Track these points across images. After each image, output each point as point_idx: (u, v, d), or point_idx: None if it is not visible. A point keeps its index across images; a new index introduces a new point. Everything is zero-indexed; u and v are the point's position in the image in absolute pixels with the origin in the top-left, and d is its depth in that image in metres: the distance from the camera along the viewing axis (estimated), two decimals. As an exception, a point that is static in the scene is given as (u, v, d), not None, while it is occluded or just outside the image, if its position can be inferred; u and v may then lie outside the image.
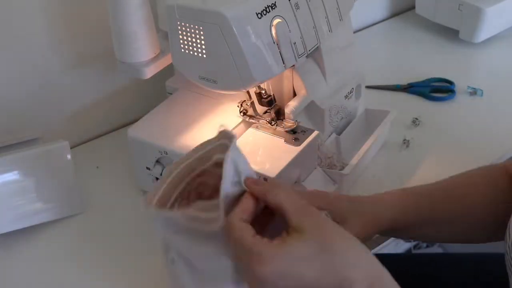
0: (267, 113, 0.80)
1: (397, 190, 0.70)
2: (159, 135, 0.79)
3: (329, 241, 0.49)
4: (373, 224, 0.66)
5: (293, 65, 0.77)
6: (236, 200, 0.53)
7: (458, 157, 0.92)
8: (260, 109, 0.80)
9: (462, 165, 0.89)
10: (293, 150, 0.75)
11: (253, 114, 0.80)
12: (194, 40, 0.70)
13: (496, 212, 0.65)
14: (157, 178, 0.82)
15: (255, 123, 0.80)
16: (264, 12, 0.67)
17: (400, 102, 1.07)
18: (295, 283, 0.47)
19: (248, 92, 0.79)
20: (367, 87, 1.03)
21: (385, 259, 0.53)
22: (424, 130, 0.98)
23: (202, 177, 0.58)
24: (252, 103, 0.79)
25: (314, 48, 0.76)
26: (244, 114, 0.81)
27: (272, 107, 0.78)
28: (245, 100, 0.80)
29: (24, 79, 0.92)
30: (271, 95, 0.78)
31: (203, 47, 0.69)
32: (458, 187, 0.70)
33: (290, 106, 0.79)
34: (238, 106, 0.81)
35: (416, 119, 1.00)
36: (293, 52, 0.72)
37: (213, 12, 0.66)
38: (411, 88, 1.10)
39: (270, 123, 0.78)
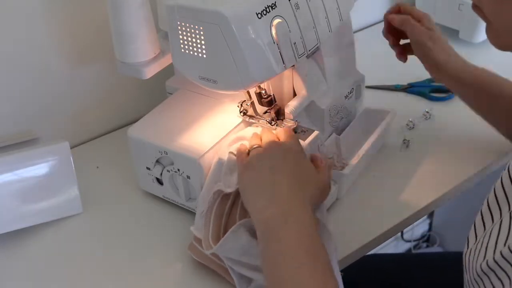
0: (267, 113, 0.80)
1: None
2: (159, 135, 0.79)
3: None
4: None
5: (293, 65, 0.77)
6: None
7: (458, 157, 0.92)
8: (260, 109, 0.80)
9: (462, 165, 0.90)
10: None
11: (253, 114, 0.80)
12: (194, 40, 0.70)
13: None
14: (157, 178, 0.82)
15: (255, 123, 0.80)
16: (264, 12, 0.67)
17: (400, 102, 1.07)
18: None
19: (248, 92, 0.78)
20: (367, 87, 1.03)
21: (386, 259, 0.55)
22: (424, 130, 0.98)
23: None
24: (252, 103, 0.79)
25: (314, 48, 0.76)
26: (244, 114, 0.81)
27: (272, 107, 0.78)
28: (245, 100, 0.80)
29: (24, 79, 0.92)
30: (271, 95, 0.78)
31: (203, 47, 0.69)
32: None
33: (290, 106, 0.79)
34: (238, 106, 0.81)
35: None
36: (293, 52, 0.72)
37: (213, 12, 0.66)
38: (411, 88, 1.10)
39: (270, 123, 0.78)
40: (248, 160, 0.67)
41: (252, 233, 0.66)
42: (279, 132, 0.72)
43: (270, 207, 0.61)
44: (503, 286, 0.57)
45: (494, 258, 0.58)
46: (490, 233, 0.61)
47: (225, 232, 0.70)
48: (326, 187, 0.67)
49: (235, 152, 0.72)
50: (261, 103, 0.78)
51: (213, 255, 0.70)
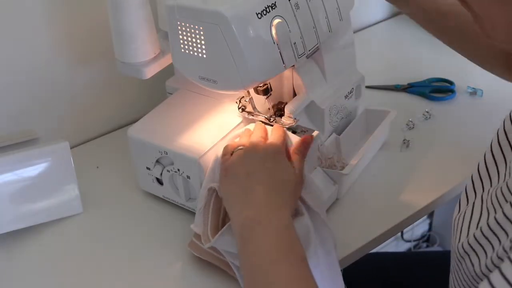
0: (266, 110, 0.79)
1: None
2: (159, 135, 0.79)
3: None
4: None
5: (293, 65, 0.77)
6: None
7: (458, 157, 0.92)
8: (259, 105, 0.80)
9: (462, 165, 0.90)
10: (293, 150, 0.75)
11: (252, 111, 0.80)
12: (194, 40, 0.70)
13: None
14: (157, 178, 0.82)
15: (255, 119, 0.80)
16: (264, 12, 0.67)
17: (400, 102, 1.07)
18: None
19: (248, 91, 0.78)
20: (367, 87, 1.03)
21: (387, 257, 0.56)
22: (424, 130, 0.99)
23: None
24: (251, 99, 0.79)
25: (314, 48, 0.76)
26: (243, 110, 0.81)
27: (269, 95, 0.78)
28: (243, 96, 0.80)
29: (24, 79, 0.92)
30: (267, 84, 0.77)
31: (203, 47, 0.69)
32: None
33: (290, 106, 0.79)
34: (236, 102, 0.80)
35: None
36: (293, 52, 0.72)
37: (213, 12, 0.66)
38: (411, 88, 1.10)
39: (269, 120, 0.78)
40: (227, 165, 0.69)
41: None
42: (272, 130, 0.73)
43: (244, 211, 0.62)
44: (473, 267, 0.58)
45: (468, 242, 0.60)
46: (464, 215, 0.63)
47: (223, 226, 0.70)
48: (300, 182, 0.68)
49: None
50: (257, 92, 0.78)
51: (213, 250, 0.71)
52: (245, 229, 0.61)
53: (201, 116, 0.82)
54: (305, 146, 0.71)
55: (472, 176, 0.67)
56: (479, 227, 0.58)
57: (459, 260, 0.62)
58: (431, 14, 0.88)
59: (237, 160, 0.68)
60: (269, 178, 0.65)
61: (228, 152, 0.71)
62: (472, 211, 0.62)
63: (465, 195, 0.67)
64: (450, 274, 0.69)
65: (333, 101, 0.85)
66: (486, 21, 0.57)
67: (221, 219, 0.72)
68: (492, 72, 0.90)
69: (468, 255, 0.59)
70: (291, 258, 0.57)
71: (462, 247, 0.60)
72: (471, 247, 0.59)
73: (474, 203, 0.63)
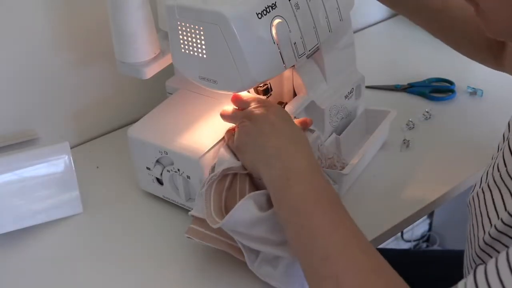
0: None
1: None
2: (159, 135, 0.79)
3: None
4: None
5: (293, 65, 0.77)
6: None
7: (458, 157, 0.92)
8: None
9: (462, 165, 0.90)
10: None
11: None
12: (194, 40, 0.70)
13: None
14: (157, 178, 0.82)
15: None
16: (264, 12, 0.67)
17: (400, 102, 1.07)
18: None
19: (248, 91, 0.79)
20: (367, 87, 1.03)
21: (388, 253, 0.57)
22: (424, 130, 0.99)
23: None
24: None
25: (314, 48, 0.76)
26: None
27: (269, 95, 0.77)
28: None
29: (24, 79, 0.92)
30: (267, 84, 0.77)
31: (203, 47, 0.69)
32: None
33: (290, 106, 0.79)
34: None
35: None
36: (293, 52, 0.72)
37: (213, 12, 0.66)
38: (411, 88, 1.10)
39: None
40: (236, 144, 0.71)
41: (260, 206, 0.66)
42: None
43: (267, 175, 0.64)
44: None
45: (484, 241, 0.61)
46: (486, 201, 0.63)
47: (226, 206, 0.70)
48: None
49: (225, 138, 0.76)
50: (257, 92, 0.78)
51: (216, 233, 0.70)
52: (276, 189, 0.63)
53: (201, 116, 0.82)
54: (305, 124, 0.75)
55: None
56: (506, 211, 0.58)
57: (487, 245, 0.62)
58: None
59: (240, 132, 0.70)
60: (276, 129, 0.67)
61: (230, 134, 0.74)
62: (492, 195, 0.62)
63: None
64: (465, 264, 0.69)
65: (333, 101, 0.85)
66: (489, 16, 0.57)
67: (224, 199, 0.71)
68: (476, 60, 0.92)
69: (499, 240, 0.59)
70: (324, 204, 0.59)
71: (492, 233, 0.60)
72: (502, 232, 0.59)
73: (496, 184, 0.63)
